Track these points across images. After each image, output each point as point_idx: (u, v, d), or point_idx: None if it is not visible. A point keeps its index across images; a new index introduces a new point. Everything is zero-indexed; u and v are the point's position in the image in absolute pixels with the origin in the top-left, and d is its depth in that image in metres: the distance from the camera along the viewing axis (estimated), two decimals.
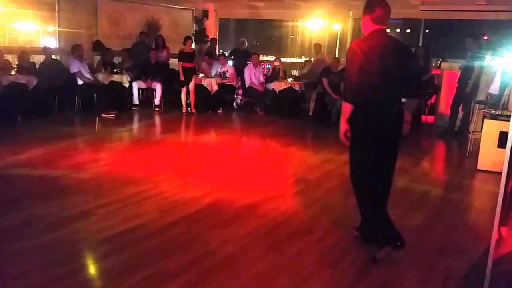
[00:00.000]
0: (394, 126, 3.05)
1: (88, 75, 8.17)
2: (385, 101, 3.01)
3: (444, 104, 8.57)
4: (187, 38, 8.62)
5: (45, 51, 8.29)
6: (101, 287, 2.64)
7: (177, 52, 8.62)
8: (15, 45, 8.48)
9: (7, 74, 7.26)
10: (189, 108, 8.69)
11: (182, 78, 8.51)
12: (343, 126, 3.06)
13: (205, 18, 11.53)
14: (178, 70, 8.61)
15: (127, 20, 10.23)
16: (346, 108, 3.01)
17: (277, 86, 9.05)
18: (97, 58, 9.26)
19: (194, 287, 2.63)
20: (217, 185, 4.52)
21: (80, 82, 8.06)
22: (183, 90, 8.61)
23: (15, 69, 7.54)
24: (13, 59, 7.92)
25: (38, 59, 8.52)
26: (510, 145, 2.41)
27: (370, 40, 3.00)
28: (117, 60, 9.09)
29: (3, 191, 4.14)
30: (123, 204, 3.86)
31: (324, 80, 8.43)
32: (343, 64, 9.19)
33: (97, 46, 9.41)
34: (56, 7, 8.92)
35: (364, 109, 2.98)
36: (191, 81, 8.62)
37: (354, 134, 3.08)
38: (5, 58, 7.62)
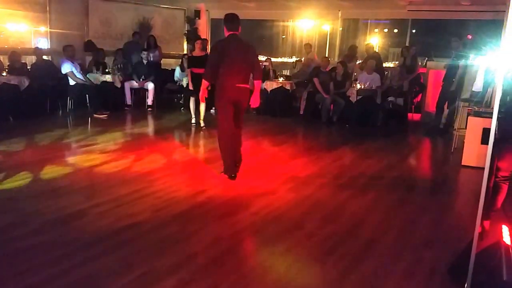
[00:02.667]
0: (242, 98, 4.71)
1: (80, 76, 8.19)
2: (233, 81, 4.57)
3: (430, 102, 8.73)
4: (196, 40, 7.70)
5: (37, 51, 8.29)
6: (95, 286, 2.65)
7: (170, 52, 8.59)
8: (6, 46, 8.46)
9: None
10: (199, 120, 7.58)
11: (190, 86, 7.36)
12: (203, 93, 4.92)
13: (197, 18, 11.56)
14: (187, 75, 7.71)
15: (118, 20, 10.24)
16: (205, 83, 4.81)
17: (268, 85, 9.13)
18: (89, 58, 9.26)
19: (187, 285, 2.66)
20: (209, 184, 4.59)
21: (72, 82, 8.08)
22: (192, 99, 7.58)
23: (6, 70, 7.54)
24: (4, 60, 7.90)
25: (30, 59, 8.51)
26: (492, 141, 2.51)
27: (226, 41, 4.67)
28: (108, 60, 9.10)
29: None
30: (117, 204, 3.91)
31: (316, 80, 8.53)
32: (333, 63, 9.31)
33: (89, 46, 9.42)
34: (47, 8, 8.91)
35: (219, 85, 4.61)
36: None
37: (216, 101, 4.79)
38: None
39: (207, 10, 11.82)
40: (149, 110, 8.94)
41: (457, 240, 3.39)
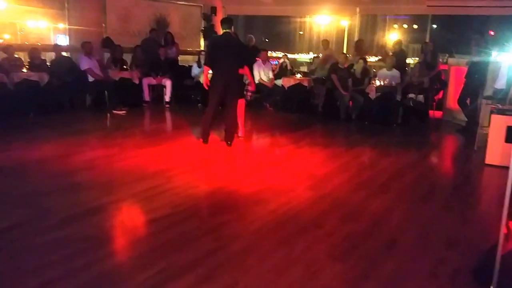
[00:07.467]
0: (234, 84, 5.77)
1: (98, 72, 8.26)
2: (225, 69, 5.67)
3: (452, 99, 8.57)
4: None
5: (56, 48, 8.38)
6: (114, 282, 2.65)
7: (187, 49, 8.58)
8: (26, 43, 8.57)
9: (19, 71, 7.35)
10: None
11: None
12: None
13: (214, 14, 11.55)
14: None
15: (135, 17, 10.28)
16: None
17: (286, 82, 9.08)
18: (107, 55, 9.34)
19: (205, 282, 2.65)
20: (228, 180, 4.58)
21: (90, 79, 8.15)
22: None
23: (27, 66, 7.64)
24: (24, 57, 8.02)
25: (50, 56, 8.62)
26: None
27: (221, 36, 5.91)
28: (126, 56, 9.16)
29: (16, 186, 4.20)
30: (135, 200, 3.93)
31: (334, 76, 8.44)
32: (351, 60, 9.21)
33: (107, 43, 9.47)
34: (66, 5, 8.99)
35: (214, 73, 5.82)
36: None
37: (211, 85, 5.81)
38: (16, 55, 7.72)
39: (223, 7, 11.80)
40: (167, 106, 8.99)
41: (481, 241, 3.30)
